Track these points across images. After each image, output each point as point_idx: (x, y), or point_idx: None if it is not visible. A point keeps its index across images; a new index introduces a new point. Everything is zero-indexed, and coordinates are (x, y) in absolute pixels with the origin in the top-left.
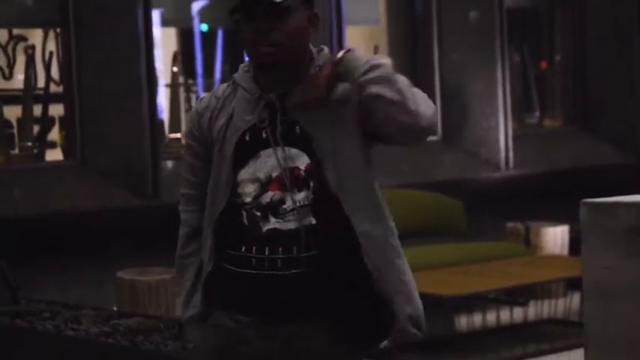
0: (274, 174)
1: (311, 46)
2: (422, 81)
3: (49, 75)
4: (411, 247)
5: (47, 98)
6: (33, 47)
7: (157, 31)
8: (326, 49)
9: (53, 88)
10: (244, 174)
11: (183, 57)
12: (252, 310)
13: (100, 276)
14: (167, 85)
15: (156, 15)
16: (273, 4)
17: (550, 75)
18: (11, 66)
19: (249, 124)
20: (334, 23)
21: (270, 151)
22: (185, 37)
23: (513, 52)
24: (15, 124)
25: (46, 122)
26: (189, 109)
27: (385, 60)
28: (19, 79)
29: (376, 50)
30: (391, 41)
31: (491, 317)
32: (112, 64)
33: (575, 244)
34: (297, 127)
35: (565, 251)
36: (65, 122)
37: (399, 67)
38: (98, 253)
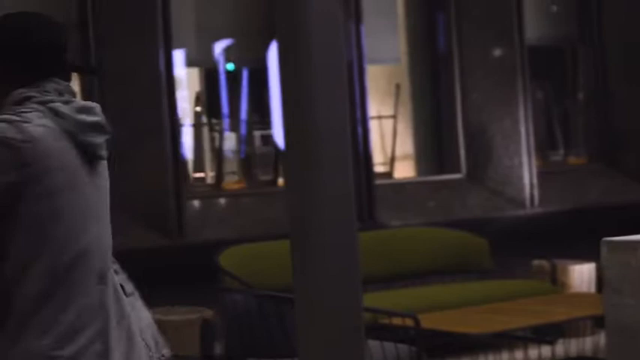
0: None
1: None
2: (444, 119)
3: None
4: (436, 285)
5: None
6: None
7: (182, 71)
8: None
9: None
10: None
11: (209, 97)
12: None
13: None
14: (192, 125)
15: (181, 55)
16: None
17: (574, 112)
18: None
19: None
20: (355, 62)
21: None
22: (210, 76)
23: (536, 90)
24: None
25: None
26: (213, 148)
27: None
28: None
29: (398, 89)
30: (413, 80)
31: (519, 356)
32: (135, 105)
33: (602, 281)
34: None
35: (592, 289)
36: None
37: (422, 106)
38: None
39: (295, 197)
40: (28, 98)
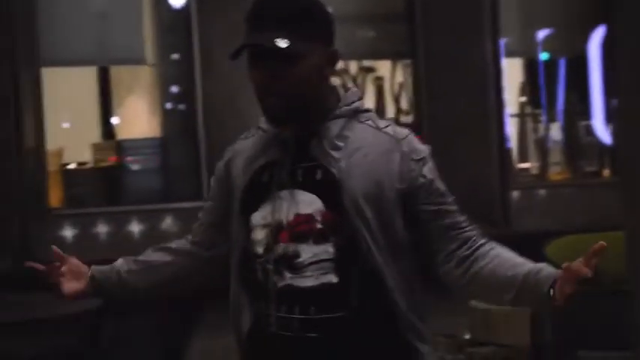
0: (286, 221)
1: (335, 84)
2: None
3: (398, 105)
4: None
5: None
6: (382, 78)
7: (503, 61)
8: (354, 89)
9: (402, 118)
10: (255, 218)
11: (530, 87)
12: None
13: (454, 305)
14: (512, 115)
15: (502, 45)
16: (278, 50)
17: None
18: (361, 97)
19: (259, 165)
20: None
21: (284, 193)
22: (530, 66)
23: None
24: None
25: None
26: (536, 138)
27: None
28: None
29: None
30: None
31: None
32: (461, 94)
33: None
34: (320, 172)
35: None
36: None
37: None
38: None
39: (629, 191)
40: (370, 110)
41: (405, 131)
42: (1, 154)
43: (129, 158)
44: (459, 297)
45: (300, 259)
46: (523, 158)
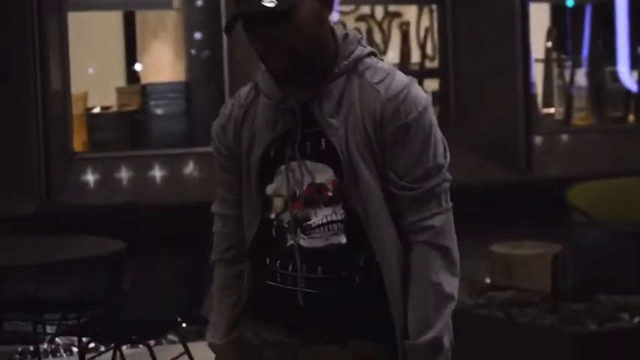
0: (298, 190)
1: (335, 30)
2: None
3: (423, 51)
4: None
5: (422, 74)
6: (407, 24)
7: (529, 6)
8: (352, 34)
9: (427, 63)
10: (270, 190)
11: (555, 32)
12: (277, 325)
13: (474, 249)
14: (538, 60)
15: None
16: (269, 11)
17: None
18: (386, 42)
19: (271, 138)
20: None
21: (294, 164)
22: (557, 12)
23: None
24: None
25: None
26: (561, 84)
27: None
28: (392, 55)
29: None
30: None
31: None
32: (487, 40)
33: None
34: (323, 140)
35: None
36: (440, 97)
37: None
38: (471, 226)
39: None
40: (373, 53)
41: (398, 87)
42: (26, 98)
43: (152, 102)
44: None
45: (310, 222)
46: (547, 103)
